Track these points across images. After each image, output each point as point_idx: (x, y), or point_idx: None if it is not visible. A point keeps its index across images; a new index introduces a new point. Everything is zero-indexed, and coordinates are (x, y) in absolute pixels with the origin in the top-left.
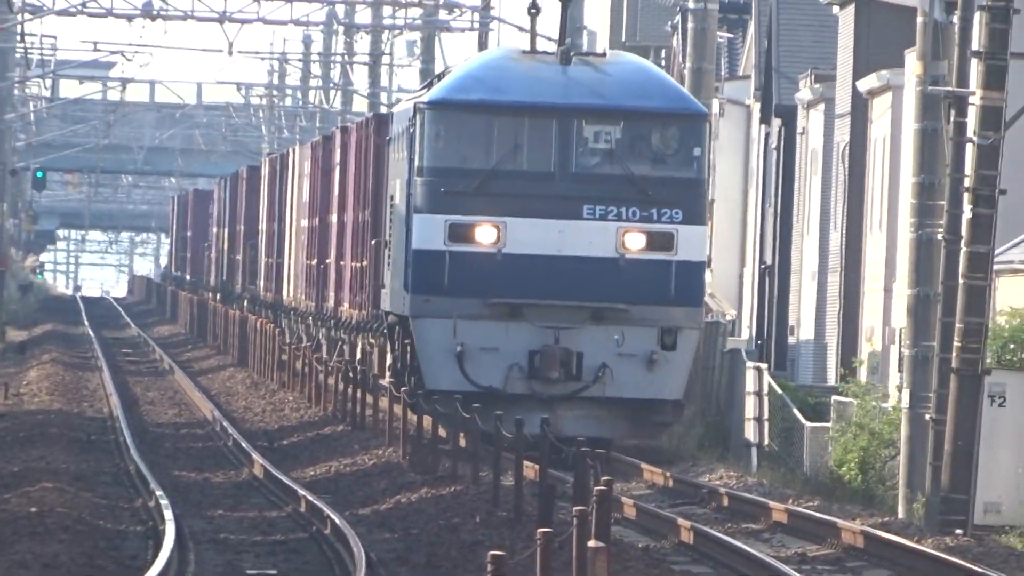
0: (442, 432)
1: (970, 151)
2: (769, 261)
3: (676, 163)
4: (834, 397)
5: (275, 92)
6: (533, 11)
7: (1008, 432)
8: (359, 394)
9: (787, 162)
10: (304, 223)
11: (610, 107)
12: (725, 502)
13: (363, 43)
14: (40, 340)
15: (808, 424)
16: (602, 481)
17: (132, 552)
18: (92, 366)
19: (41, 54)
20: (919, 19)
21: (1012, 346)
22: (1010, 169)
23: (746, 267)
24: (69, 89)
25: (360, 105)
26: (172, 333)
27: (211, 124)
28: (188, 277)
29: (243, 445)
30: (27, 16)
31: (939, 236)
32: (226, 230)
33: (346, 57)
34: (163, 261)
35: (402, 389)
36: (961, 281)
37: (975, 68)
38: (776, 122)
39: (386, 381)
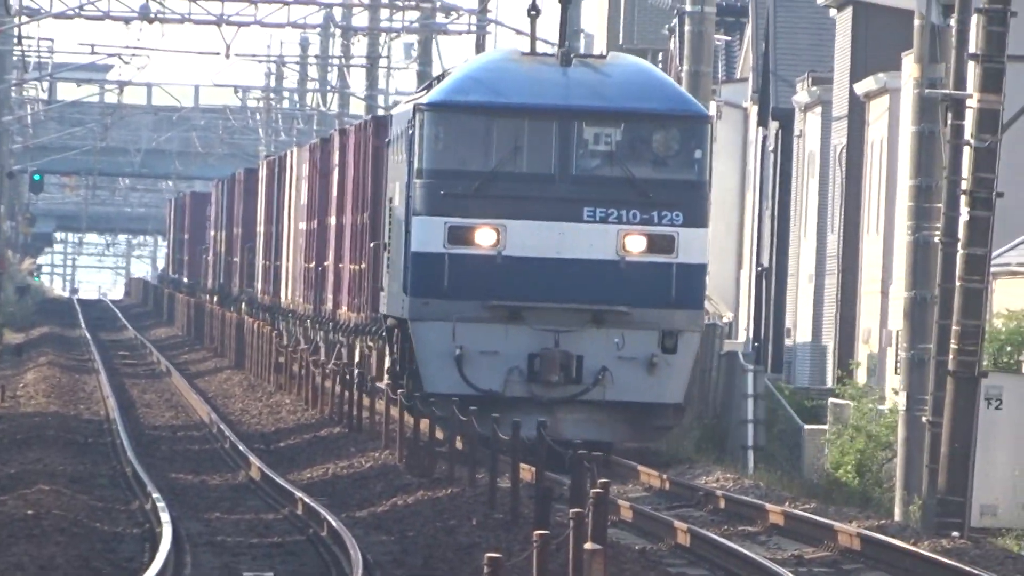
0: (439, 434)
1: (967, 154)
2: (766, 263)
3: (677, 165)
4: (831, 399)
5: (272, 95)
6: (533, 13)
7: (1004, 434)
8: (356, 397)
9: (784, 165)
10: (302, 225)
11: (610, 109)
12: (722, 504)
13: (360, 46)
14: (37, 342)
15: (805, 426)
16: (599, 483)
17: (129, 555)
18: (89, 368)
19: (38, 57)
20: (916, 22)
21: (1009, 348)
22: (1007, 172)
23: (743, 269)
24: (66, 92)
25: (357, 108)
26: (169, 335)
27: (208, 127)
28: (185, 280)
29: (240, 447)
30: (24, 19)
31: (936, 239)
32: (223, 233)
33: (343, 60)
34: (160, 264)
35: (398, 391)
36: (958, 284)
37: (972, 71)
38: (773, 125)
39: (383, 384)
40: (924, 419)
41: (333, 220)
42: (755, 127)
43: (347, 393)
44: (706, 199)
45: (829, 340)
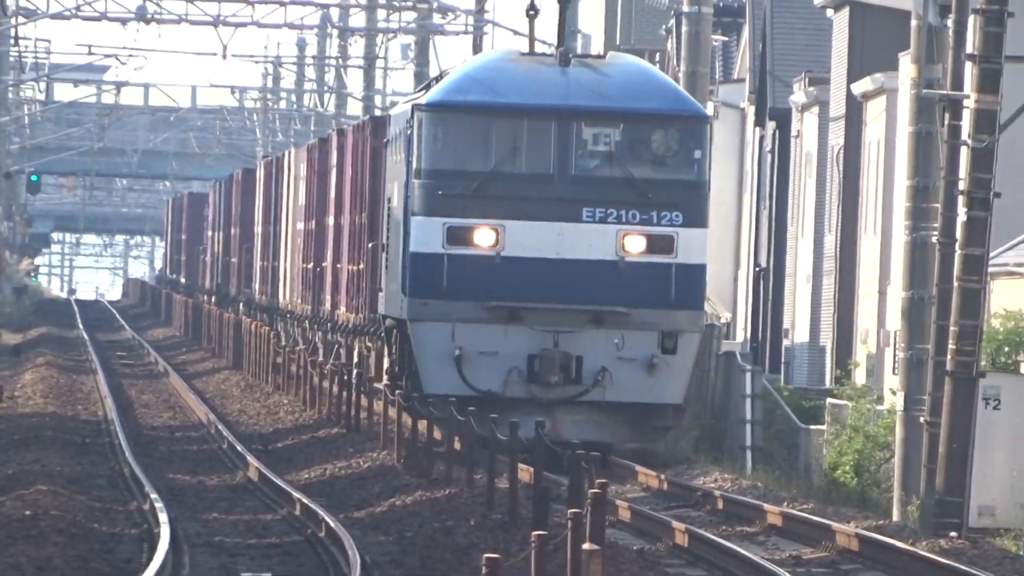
0: (437, 435)
1: (964, 154)
2: (764, 264)
3: (676, 165)
4: (829, 400)
5: (269, 95)
6: (532, 13)
7: (1002, 435)
8: (354, 397)
9: (782, 165)
10: (300, 226)
11: (610, 109)
12: (720, 505)
13: (357, 46)
14: (35, 343)
15: (803, 427)
16: (597, 484)
17: (127, 555)
18: (87, 369)
19: (35, 57)
20: (913, 22)
21: (1007, 349)
22: (1004, 172)
23: (741, 270)
24: (63, 92)
25: (354, 108)
26: (167, 336)
27: (205, 127)
28: (183, 280)
29: (238, 448)
30: (21, 19)
31: (934, 239)
32: (221, 233)
33: (340, 60)
34: (158, 264)
35: (396, 392)
36: (956, 284)
37: (969, 71)
38: (770, 125)
39: (382, 384)
40: (922, 419)
41: (331, 220)
42: (752, 127)
43: (345, 394)
44: (706, 199)
45: (827, 340)
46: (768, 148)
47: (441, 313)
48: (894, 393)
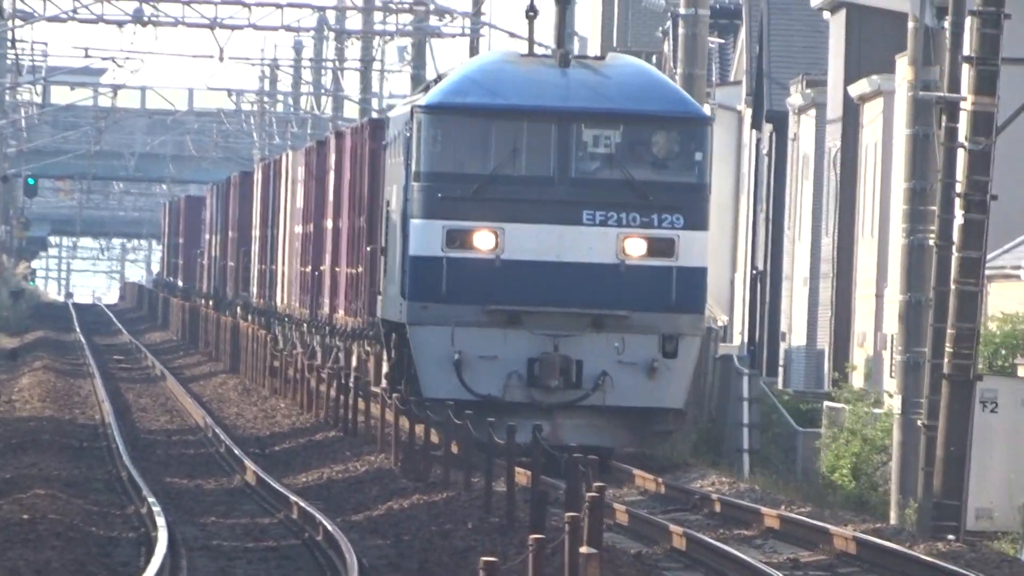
0: (434, 438)
1: (962, 156)
2: (761, 267)
3: (677, 168)
4: (826, 403)
5: (266, 98)
6: (531, 14)
7: (1000, 438)
8: (351, 400)
9: (778, 167)
10: (298, 229)
11: (610, 111)
12: (717, 508)
13: (354, 49)
14: (32, 347)
15: (800, 430)
16: (594, 487)
17: (124, 559)
18: (84, 373)
19: (32, 60)
20: (910, 24)
21: (1004, 352)
22: (1002, 175)
23: (738, 273)
24: (60, 95)
25: (351, 111)
26: (164, 340)
27: (202, 130)
28: (180, 284)
29: (235, 452)
30: (18, 22)
31: (931, 241)
32: (218, 236)
33: (337, 63)
34: (155, 268)
35: (393, 395)
36: (953, 286)
37: (966, 73)
38: (767, 127)
39: (379, 388)
40: (919, 422)
41: (330, 223)
42: (749, 130)
43: (342, 397)
44: (706, 201)
45: (824, 343)
46: (765, 150)
47: (440, 317)
48: (891, 396)
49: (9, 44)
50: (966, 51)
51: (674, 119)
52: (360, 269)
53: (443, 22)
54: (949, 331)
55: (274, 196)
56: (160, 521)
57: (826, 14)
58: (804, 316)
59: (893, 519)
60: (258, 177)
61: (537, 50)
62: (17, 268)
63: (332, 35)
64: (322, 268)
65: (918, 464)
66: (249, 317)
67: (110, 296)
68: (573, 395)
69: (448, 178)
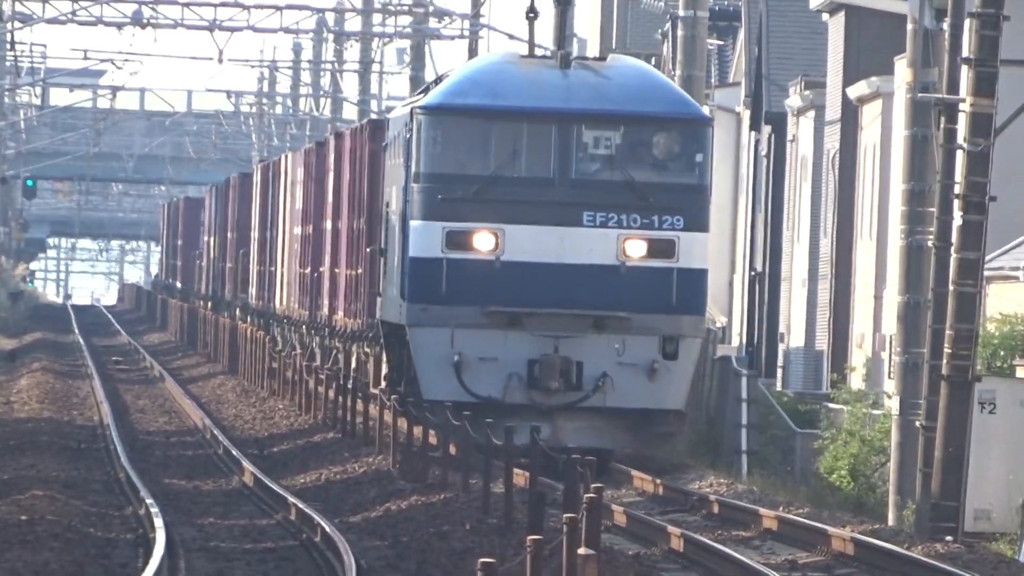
0: (432, 439)
1: (960, 158)
2: (759, 268)
3: (678, 169)
4: (825, 404)
5: (265, 100)
6: (531, 15)
7: (998, 439)
8: (349, 402)
9: (777, 169)
10: (297, 230)
11: (611, 112)
12: (715, 509)
13: (353, 51)
14: (30, 348)
15: (799, 431)
16: (592, 488)
17: (122, 560)
18: (82, 374)
19: (31, 62)
20: (909, 26)
21: (1002, 353)
22: (1000, 176)
23: (736, 274)
24: (59, 97)
25: (350, 113)
26: (162, 341)
27: (201, 132)
28: (179, 285)
29: (233, 453)
30: (17, 24)
31: (929, 243)
32: (217, 238)
33: (336, 65)
34: (153, 269)
35: (392, 396)
36: (951, 288)
37: (965, 75)
38: (766, 129)
39: (377, 389)
40: (918, 423)
41: (329, 225)
42: (748, 131)
43: (340, 398)
44: (707, 203)
45: (823, 345)
46: (764, 152)
47: (440, 318)
48: (890, 397)
49: (8, 46)
50: (965, 53)
51: (675, 120)
52: (359, 270)
53: (442, 24)
54: (948, 332)
55: (273, 197)
56: (158, 522)
57: (825, 16)
58: (803, 317)
59: (891, 520)
60: (257, 178)
61: (536, 52)
62: (16, 269)
63: (331, 37)
64: (321, 269)
65: (916, 465)
66: (248, 319)
67: (109, 297)
68: (573, 397)
69: (448, 179)
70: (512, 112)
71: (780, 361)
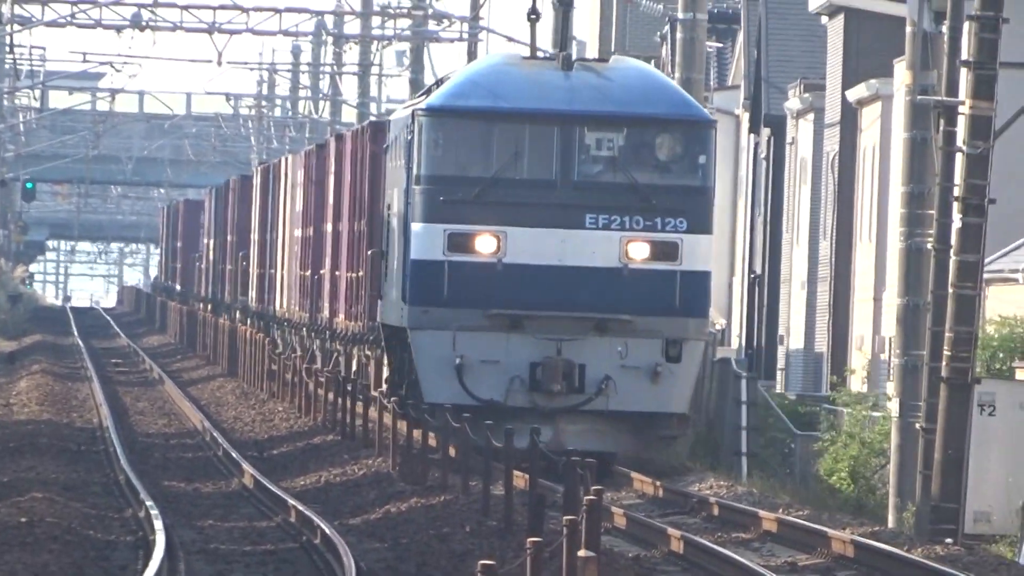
0: (432, 442)
1: (960, 160)
2: (759, 270)
3: (681, 171)
4: (824, 406)
5: (264, 103)
6: (533, 17)
7: (998, 441)
8: (349, 404)
9: (776, 171)
10: (297, 233)
11: (613, 114)
12: (715, 511)
13: (352, 53)
14: (29, 350)
15: (799, 433)
16: (592, 491)
17: (122, 562)
18: (82, 376)
19: (30, 65)
20: (908, 29)
21: (1001, 355)
22: (999, 178)
23: (735, 276)
24: (58, 100)
25: (349, 115)
26: (162, 343)
27: (200, 135)
28: (178, 287)
29: (233, 455)
30: (16, 27)
31: (929, 245)
32: (217, 240)
33: (335, 68)
34: (152, 272)
35: (391, 398)
36: (951, 290)
37: (964, 78)
38: (765, 131)
39: (377, 392)
40: (917, 425)
41: (329, 227)
42: (747, 134)
43: (340, 401)
44: (710, 205)
45: (822, 347)
46: (763, 154)
47: (442, 321)
48: (889, 399)
49: (7, 49)
50: (964, 55)
51: (677, 122)
52: (360, 273)
53: (441, 27)
54: (947, 334)
55: (273, 200)
56: (158, 524)
57: (824, 18)
58: (802, 320)
59: (891, 522)
60: (257, 181)
61: (537, 54)
62: (15, 272)
63: (330, 39)
64: (322, 272)
65: (916, 467)
66: (248, 321)
67: (108, 300)
68: (576, 400)
69: (450, 181)
70: (514, 114)
71: (780, 363)
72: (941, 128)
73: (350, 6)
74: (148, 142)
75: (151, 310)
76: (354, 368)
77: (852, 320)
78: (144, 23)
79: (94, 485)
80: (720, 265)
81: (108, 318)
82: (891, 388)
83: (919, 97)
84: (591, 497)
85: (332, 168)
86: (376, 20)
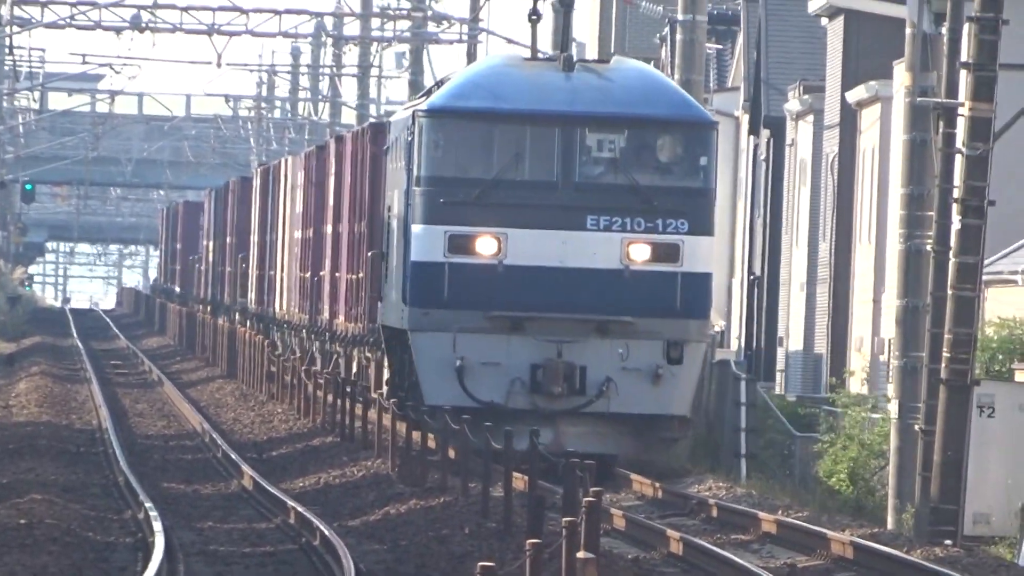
0: (431, 443)
1: (959, 162)
2: (758, 272)
3: (682, 172)
4: (824, 407)
5: (263, 104)
6: (534, 18)
7: (997, 443)
8: (348, 406)
9: (776, 173)
10: (297, 234)
11: (614, 115)
12: (714, 513)
13: (351, 55)
14: (29, 352)
15: (798, 435)
16: (591, 492)
17: (121, 564)
18: (81, 378)
19: (30, 66)
20: (908, 30)
21: (1001, 357)
22: (999, 180)
23: (735, 278)
24: (58, 101)
25: (349, 117)
26: (161, 345)
27: (199, 136)
28: (178, 289)
29: (232, 457)
30: (15, 28)
31: (928, 247)
32: (216, 242)
33: (334, 69)
34: (152, 273)
35: (391, 400)
36: (950, 292)
37: (964, 79)
38: (765, 133)
39: (377, 393)
40: (917, 427)
41: (329, 229)
42: (747, 135)
43: (339, 402)
44: (712, 207)
45: (822, 349)
46: (763, 156)
47: (442, 323)
48: (888, 401)
49: (7, 50)
50: (964, 57)
51: (679, 123)
52: (360, 275)
53: (441, 28)
54: (946, 336)
55: (273, 201)
56: (157, 526)
57: (824, 20)
58: (801, 321)
59: (890, 524)
60: (257, 182)
61: (537, 55)
62: (14, 273)
63: (330, 41)
64: (322, 274)
65: (916, 469)
66: (247, 323)
67: (107, 302)
68: (577, 402)
69: (450, 183)
70: (515, 115)
71: (779, 365)
72: (941, 130)
73: (350, 8)
74: (147, 144)
75: (150, 312)
76: (354, 370)
77: (851, 322)
78: (144, 25)
79: (93, 487)
80: (719, 267)
81: (107, 320)
82: (890, 390)
83: (919, 99)
84: (590, 499)
85: (332, 169)
86: (376, 22)
